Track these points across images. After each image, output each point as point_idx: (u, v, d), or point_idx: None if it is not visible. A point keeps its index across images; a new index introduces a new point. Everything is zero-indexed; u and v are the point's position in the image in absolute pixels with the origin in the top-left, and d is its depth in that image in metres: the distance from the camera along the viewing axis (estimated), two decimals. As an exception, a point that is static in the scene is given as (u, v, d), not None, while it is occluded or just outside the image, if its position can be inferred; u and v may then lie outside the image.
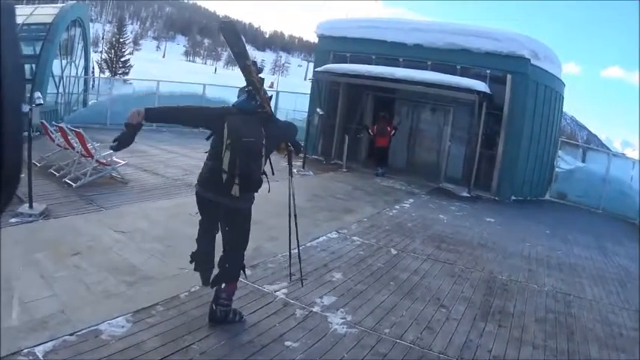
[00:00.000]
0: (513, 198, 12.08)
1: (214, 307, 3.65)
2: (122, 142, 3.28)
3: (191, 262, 3.90)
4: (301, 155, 12.28)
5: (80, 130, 7.81)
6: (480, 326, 4.37)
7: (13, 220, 5.45)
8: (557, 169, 13.90)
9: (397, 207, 8.98)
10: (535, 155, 12.73)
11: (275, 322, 3.85)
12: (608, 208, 12.30)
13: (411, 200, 9.84)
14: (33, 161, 8.51)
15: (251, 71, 3.62)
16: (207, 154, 3.66)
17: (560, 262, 6.95)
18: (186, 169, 9.81)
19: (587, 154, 15.19)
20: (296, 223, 4.16)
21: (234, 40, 3.44)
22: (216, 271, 3.73)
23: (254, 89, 3.64)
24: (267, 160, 3.65)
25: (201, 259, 3.85)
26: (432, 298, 4.85)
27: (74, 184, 7.32)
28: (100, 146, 8.34)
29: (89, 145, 7.76)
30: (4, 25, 0.47)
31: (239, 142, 3.35)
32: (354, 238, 6.50)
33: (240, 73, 3.74)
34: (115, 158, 8.20)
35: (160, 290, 4.08)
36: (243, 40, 3.45)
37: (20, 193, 5.70)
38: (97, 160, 7.79)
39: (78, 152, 8.00)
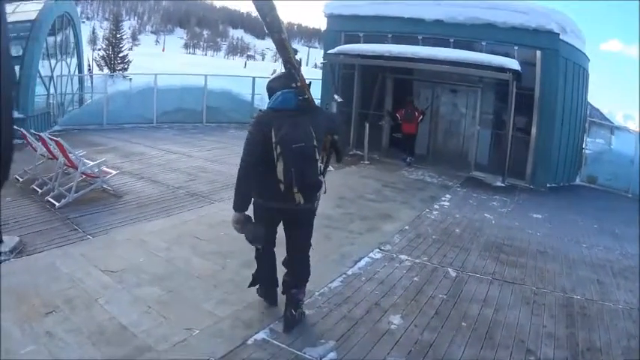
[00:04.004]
0: (548, 185, 10.85)
1: (293, 313, 3.46)
2: (255, 239, 3.33)
3: (253, 284, 3.72)
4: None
5: (59, 139, 6.59)
6: (575, 375, 3.26)
7: (-24, 261, 4.30)
8: (586, 151, 12.62)
9: (437, 206, 7.72)
10: (567, 137, 11.45)
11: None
12: (636, 192, 10.98)
13: (448, 196, 8.59)
14: (15, 176, 7.36)
15: (287, 46, 3.04)
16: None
17: (621, 266, 5.85)
18: (190, 172, 8.59)
19: (615, 133, 13.79)
20: None
21: (267, 8, 2.84)
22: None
23: (293, 68, 3.16)
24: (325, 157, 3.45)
25: (266, 277, 3.67)
26: (515, 341, 3.67)
27: (57, 204, 6.13)
28: (92, 151, 7.17)
29: (72, 156, 6.56)
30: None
31: (289, 150, 3.10)
32: (402, 256, 5.24)
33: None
34: (105, 168, 7.01)
35: (162, 373, 2.87)
36: (277, 9, 2.86)
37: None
38: (82, 173, 6.59)
39: (62, 163, 6.81)
